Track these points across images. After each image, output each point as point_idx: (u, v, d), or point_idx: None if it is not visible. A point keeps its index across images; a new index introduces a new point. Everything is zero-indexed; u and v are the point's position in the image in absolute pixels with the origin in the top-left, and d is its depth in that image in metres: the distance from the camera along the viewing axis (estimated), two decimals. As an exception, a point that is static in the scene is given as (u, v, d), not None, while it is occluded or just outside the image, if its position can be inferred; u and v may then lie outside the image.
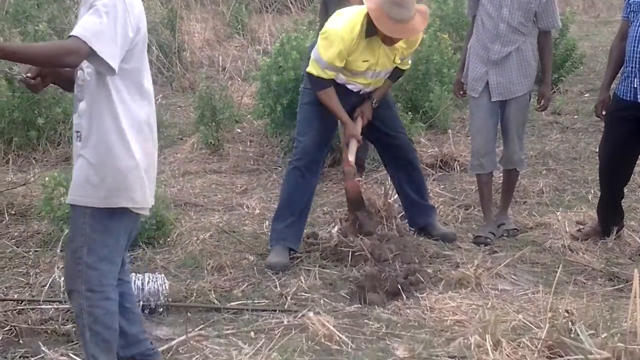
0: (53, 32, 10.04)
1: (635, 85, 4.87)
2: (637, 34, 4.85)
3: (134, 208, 3.20)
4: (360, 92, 5.03)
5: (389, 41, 4.74)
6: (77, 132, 3.18)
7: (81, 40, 2.89)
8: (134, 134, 3.14)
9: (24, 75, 3.15)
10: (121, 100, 3.10)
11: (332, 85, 4.86)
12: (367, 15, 4.67)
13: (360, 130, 5.06)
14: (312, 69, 4.83)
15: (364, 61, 4.82)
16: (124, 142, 3.11)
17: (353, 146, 5.02)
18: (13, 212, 5.74)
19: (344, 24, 4.74)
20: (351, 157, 4.99)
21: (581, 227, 5.44)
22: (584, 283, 4.66)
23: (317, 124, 4.99)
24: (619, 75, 5.12)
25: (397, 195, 5.53)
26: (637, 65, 4.85)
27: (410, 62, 5.24)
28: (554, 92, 9.67)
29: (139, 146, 3.16)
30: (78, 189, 3.16)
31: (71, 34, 2.92)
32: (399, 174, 5.37)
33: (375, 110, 5.12)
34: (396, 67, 5.03)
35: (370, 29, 4.71)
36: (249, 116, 8.08)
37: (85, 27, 2.92)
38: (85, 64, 3.06)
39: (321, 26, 6.77)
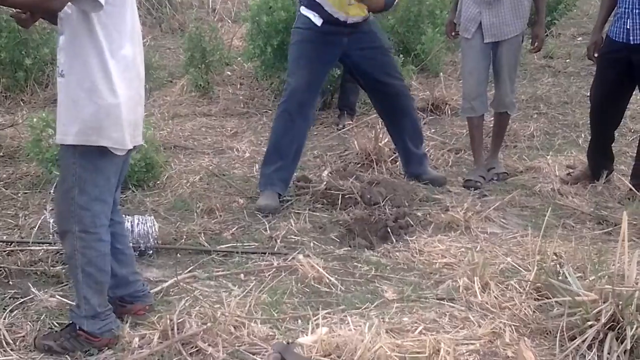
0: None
1: (627, 27, 4.82)
2: (630, -25, 4.79)
3: (112, 148, 3.13)
4: (348, 22, 4.89)
5: None
6: (58, 66, 3.14)
7: None
8: (119, 72, 3.08)
9: (15, 10, 3.13)
10: (106, 36, 3.03)
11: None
12: None
13: None
14: None
15: None
16: (108, 80, 3.05)
17: None
18: (1, 154, 5.71)
19: None
20: None
21: (571, 171, 5.45)
22: (573, 226, 4.67)
23: (305, 64, 4.89)
24: (611, 17, 5.06)
25: (387, 139, 5.51)
26: (630, 6, 4.79)
27: None
28: (547, 35, 9.60)
29: (123, 85, 3.10)
30: (61, 128, 3.12)
31: None
32: (395, 123, 5.30)
33: (371, 57, 5.02)
34: None
35: None
36: (239, 58, 8.01)
37: None
38: None
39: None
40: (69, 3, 2.96)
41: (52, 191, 4.65)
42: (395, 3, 4.96)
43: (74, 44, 3.04)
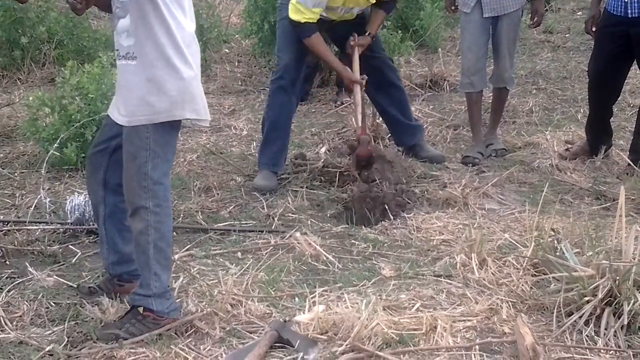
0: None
1: (625, 0, 4.78)
2: (628, -52, 4.75)
3: (196, 120, 3.26)
4: (332, 22, 4.91)
5: None
6: (117, 50, 3.18)
7: None
8: (186, 47, 3.16)
9: None
10: (171, 14, 3.10)
11: (317, 30, 4.72)
12: None
13: (358, 69, 4.91)
14: (295, 14, 4.64)
15: None
16: (182, 55, 3.14)
17: (358, 97, 4.85)
18: (-2, 133, 5.70)
19: None
20: (361, 121, 4.84)
21: (570, 146, 5.43)
22: (571, 202, 4.66)
23: (295, 39, 4.82)
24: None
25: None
26: (628, -21, 4.77)
27: None
28: (546, 9, 9.54)
29: (192, 59, 3.19)
30: (139, 109, 3.15)
31: None
32: (380, 95, 5.27)
33: (354, 30, 4.96)
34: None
35: None
36: (237, 36, 7.97)
37: None
38: None
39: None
40: None
41: (44, 171, 4.62)
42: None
43: (143, 25, 3.08)
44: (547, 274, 3.57)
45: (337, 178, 4.86)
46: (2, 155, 5.33)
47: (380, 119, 5.53)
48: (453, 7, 5.42)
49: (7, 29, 6.91)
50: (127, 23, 3.12)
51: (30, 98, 5.05)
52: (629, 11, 4.78)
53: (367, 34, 4.95)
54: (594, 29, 5.07)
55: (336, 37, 5.17)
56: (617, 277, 3.26)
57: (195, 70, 3.22)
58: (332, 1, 4.71)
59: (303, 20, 4.65)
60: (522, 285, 3.57)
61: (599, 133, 5.21)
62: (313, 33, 4.70)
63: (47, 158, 4.71)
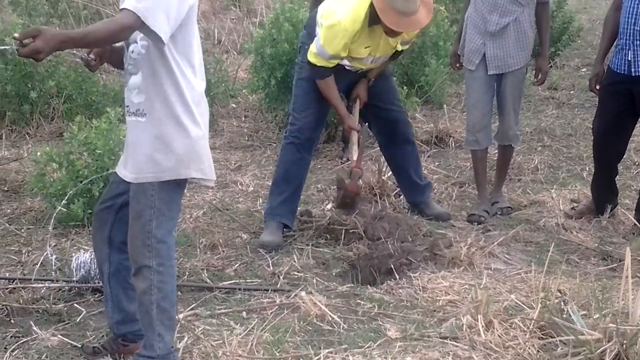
0: (47, 2, 9.99)
1: (629, 58, 4.82)
2: (631, 6, 4.78)
3: (201, 179, 3.29)
4: (358, 72, 4.98)
5: (392, 33, 4.65)
6: (127, 106, 3.22)
7: (135, 14, 2.90)
8: (195, 105, 3.20)
9: (87, 55, 3.19)
10: (182, 73, 3.13)
11: (332, 74, 4.79)
12: (371, 4, 4.58)
13: (358, 117, 5.02)
14: (314, 59, 4.74)
15: (365, 47, 4.75)
16: (191, 114, 3.17)
17: (354, 139, 4.98)
18: (6, 188, 5.71)
19: (348, 14, 4.62)
20: (356, 156, 4.98)
21: (575, 205, 5.43)
22: (577, 262, 4.65)
23: (315, 103, 4.90)
24: (613, 48, 5.06)
25: (391, 173, 5.50)
26: (631, 38, 4.79)
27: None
28: (551, 66, 9.62)
29: (201, 118, 3.23)
30: (145, 166, 3.18)
31: (124, 6, 2.92)
32: (394, 152, 5.29)
33: (374, 83, 5.05)
34: (399, 50, 5.01)
35: (373, 18, 4.62)
36: (244, 90, 8.03)
37: (140, 0, 2.92)
38: (139, 36, 3.09)
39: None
40: (144, 43, 3.07)
41: (51, 227, 4.64)
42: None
43: (153, 83, 3.13)
44: (554, 337, 3.54)
45: (342, 236, 4.86)
46: (9, 211, 5.35)
47: (386, 176, 5.55)
48: (458, 65, 5.46)
49: (17, 84, 6.97)
50: (138, 80, 3.16)
51: (38, 153, 5.08)
52: (633, 69, 4.81)
53: (366, 80, 5.02)
54: (597, 87, 5.10)
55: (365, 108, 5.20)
56: (625, 341, 3.25)
57: (203, 129, 3.26)
58: (357, 52, 4.76)
59: (319, 64, 4.74)
60: (529, 348, 3.55)
61: (604, 192, 5.22)
62: (327, 76, 4.79)
63: (54, 214, 4.72)
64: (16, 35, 2.66)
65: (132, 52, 3.16)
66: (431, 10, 4.69)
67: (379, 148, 5.55)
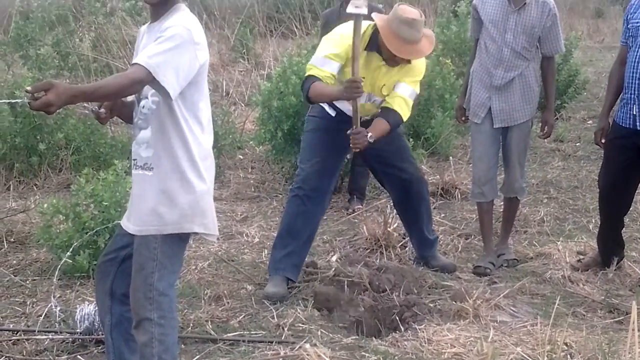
0: (57, 56, 10.13)
1: (634, 112, 4.83)
2: (636, 60, 4.82)
3: (204, 234, 3.30)
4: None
5: (393, 61, 4.66)
6: (135, 159, 3.26)
7: (146, 69, 2.95)
8: (202, 161, 3.23)
9: (97, 108, 3.23)
10: (190, 129, 3.18)
11: (320, 80, 4.62)
12: (373, 29, 4.64)
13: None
14: (309, 69, 4.70)
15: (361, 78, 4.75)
16: (197, 170, 3.21)
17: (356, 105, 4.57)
18: (12, 239, 5.73)
19: (341, 32, 4.69)
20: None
21: (581, 257, 5.41)
22: (584, 315, 4.62)
23: (319, 152, 4.90)
24: (618, 102, 5.09)
25: (396, 224, 5.50)
26: (636, 92, 4.81)
27: (407, 106, 4.83)
28: (557, 118, 9.68)
29: (206, 172, 3.26)
30: (149, 219, 3.21)
31: (137, 61, 2.98)
32: (408, 209, 5.27)
33: (386, 141, 4.86)
34: (394, 110, 4.73)
35: (372, 43, 4.66)
36: (251, 142, 8.08)
37: (151, 56, 2.98)
38: (150, 92, 3.14)
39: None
40: (155, 99, 3.12)
41: (56, 279, 4.64)
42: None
43: (161, 138, 3.17)
44: (560, 391, 3.51)
45: (347, 287, 4.85)
46: (15, 262, 5.36)
47: (392, 227, 5.55)
48: (463, 118, 5.49)
49: (26, 136, 7.05)
50: (148, 135, 3.20)
51: (45, 205, 5.11)
52: (638, 123, 4.82)
53: (368, 135, 4.64)
54: (603, 141, 5.11)
55: (373, 157, 5.13)
56: (631, 396, 3.21)
57: (208, 184, 3.28)
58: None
59: (308, 73, 4.68)
60: (535, 402, 3.51)
61: (610, 244, 5.20)
62: (314, 81, 4.60)
63: (59, 266, 4.72)
64: (28, 88, 2.70)
65: (143, 107, 3.21)
66: (432, 42, 4.69)
67: (384, 199, 5.54)
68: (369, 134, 4.59)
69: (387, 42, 4.54)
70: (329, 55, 4.65)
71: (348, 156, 6.26)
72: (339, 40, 4.67)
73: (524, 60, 5.13)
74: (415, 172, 5.24)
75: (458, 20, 10.57)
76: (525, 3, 5.03)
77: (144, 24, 3.42)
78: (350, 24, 4.48)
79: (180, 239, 3.28)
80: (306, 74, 4.71)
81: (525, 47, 5.10)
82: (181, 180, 3.19)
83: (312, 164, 4.92)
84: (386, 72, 4.76)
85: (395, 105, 4.75)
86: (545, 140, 7.76)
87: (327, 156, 4.94)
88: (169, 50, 3.00)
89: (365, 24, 4.59)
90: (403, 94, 4.78)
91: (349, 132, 4.57)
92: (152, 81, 2.97)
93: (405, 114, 4.79)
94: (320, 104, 4.88)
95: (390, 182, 5.29)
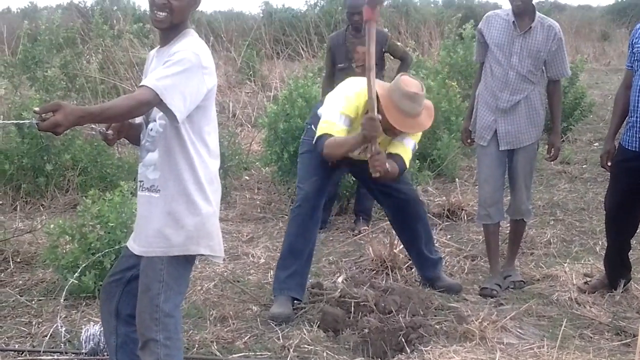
0: (65, 77, 10.20)
1: (639, 135, 4.84)
2: (641, 84, 4.83)
3: (210, 255, 3.30)
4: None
5: (391, 132, 4.63)
6: (141, 181, 3.27)
7: (154, 91, 2.96)
8: (208, 184, 3.24)
9: (104, 130, 3.25)
10: (197, 152, 3.19)
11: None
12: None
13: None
14: (321, 129, 4.62)
15: None
16: (203, 192, 3.22)
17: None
18: (19, 260, 5.74)
19: (358, 88, 4.63)
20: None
21: (588, 279, 5.39)
22: (591, 337, 4.59)
23: (317, 171, 4.92)
24: (624, 125, 5.09)
25: (402, 246, 5.49)
26: (641, 115, 4.82)
27: (409, 157, 4.81)
28: (563, 141, 9.68)
29: (212, 195, 3.27)
30: (155, 240, 3.21)
31: (144, 84, 2.99)
32: (405, 231, 5.29)
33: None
34: (400, 155, 4.72)
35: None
36: (257, 163, 8.10)
37: (159, 78, 2.99)
38: (158, 114, 3.16)
39: (327, 73, 6.88)
40: (162, 122, 3.14)
41: (62, 299, 4.64)
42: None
43: (168, 161, 3.18)
44: (567, 414, 3.48)
45: (353, 308, 4.83)
46: (21, 282, 5.36)
47: (398, 249, 5.54)
48: (469, 140, 5.49)
49: (33, 156, 7.08)
50: (155, 157, 3.21)
51: (52, 226, 5.12)
52: (643, 147, 4.83)
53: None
54: (609, 164, 5.10)
55: (356, 171, 5.19)
56: (639, 419, 3.19)
57: (214, 207, 3.29)
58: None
59: (321, 133, 4.62)
60: None
61: (617, 267, 5.18)
62: (328, 138, 4.57)
63: (66, 286, 4.72)
64: (36, 109, 2.71)
65: (151, 129, 3.23)
66: (432, 114, 4.65)
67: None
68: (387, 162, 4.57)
69: (387, 114, 4.47)
70: (344, 112, 4.61)
71: (353, 178, 6.30)
72: (353, 99, 4.63)
73: (529, 83, 5.14)
74: (411, 193, 5.25)
75: (463, 43, 10.62)
76: (530, 27, 5.05)
77: (151, 46, 3.46)
78: (362, 82, 4.50)
79: (186, 261, 3.28)
80: (319, 132, 4.64)
81: (530, 70, 5.11)
82: (187, 203, 3.20)
83: (311, 182, 4.94)
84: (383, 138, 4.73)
85: (401, 152, 4.75)
86: (552, 162, 7.77)
87: (325, 176, 4.96)
88: (176, 73, 3.01)
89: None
90: (407, 145, 4.79)
91: (369, 155, 4.49)
92: (159, 104, 2.99)
93: (407, 163, 4.80)
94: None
95: (386, 202, 5.31)
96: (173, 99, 2.99)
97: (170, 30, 3.21)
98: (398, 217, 5.25)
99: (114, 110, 2.94)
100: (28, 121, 2.76)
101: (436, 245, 5.91)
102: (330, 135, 4.58)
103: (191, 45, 3.12)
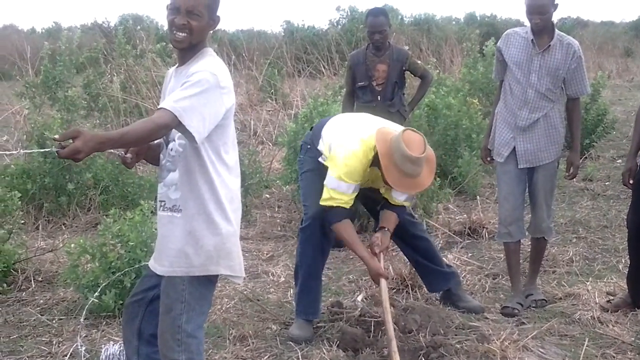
0: (87, 97, 10.29)
1: (660, 153, 4.81)
2: (661, 101, 4.80)
3: (230, 276, 3.30)
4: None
5: (390, 187, 4.62)
6: (162, 201, 3.28)
7: (172, 113, 2.98)
8: (228, 203, 3.24)
9: (123, 153, 3.27)
10: (216, 171, 3.20)
11: (349, 215, 4.67)
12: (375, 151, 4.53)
13: (382, 264, 4.77)
14: (330, 200, 4.56)
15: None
16: (223, 211, 3.22)
17: (384, 290, 4.56)
18: (40, 279, 5.78)
19: (361, 145, 4.54)
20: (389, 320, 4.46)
21: (611, 298, 5.33)
22: (614, 357, 4.53)
23: (321, 189, 4.77)
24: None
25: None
26: (662, 133, 4.79)
27: (406, 204, 4.90)
28: (585, 158, 9.63)
29: (233, 215, 3.27)
30: (176, 260, 3.23)
31: (163, 106, 3.02)
32: (405, 246, 5.29)
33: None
34: (396, 205, 4.81)
35: (376, 161, 4.54)
36: (277, 181, 8.12)
37: (177, 100, 3.01)
38: (177, 134, 3.18)
39: (347, 91, 6.89)
40: (182, 142, 3.15)
41: (82, 318, 4.65)
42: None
43: (188, 181, 3.20)
44: None
45: (373, 327, 4.81)
46: (42, 301, 5.39)
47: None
48: (489, 159, 5.47)
49: (55, 176, 7.14)
50: (176, 177, 3.23)
51: (72, 245, 5.15)
52: (665, 164, 4.79)
53: (385, 229, 4.79)
54: (631, 181, 5.06)
55: (363, 198, 5.07)
56: None
57: (235, 226, 3.29)
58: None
59: (335, 205, 4.58)
60: None
61: (640, 285, 5.13)
62: (343, 218, 4.60)
63: (86, 305, 4.74)
64: (56, 136, 2.73)
65: (171, 149, 3.24)
66: (433, 170, 4.61)
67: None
68: (386, 229, 4.77)
69: (386, 175, 4.43)
70: (352, 180, 4.54)
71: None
72: (360, 170, 4.56)
73: (548, 101, 5.12)
74: (404, 217, 5.05)
75: (485, 60, 10.60)
76: (549, 45, 5.03)
77: (173, 65, 3.47)
78: (369, 125, 4.62)
79: (208, 281, 3.28)
80: (332, 203, 4.58)
81: (549, 88, 5.09)
82: (207, 222, 3.20)
83: (316, 201, 4.81)
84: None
85: (398, 203, 4.81)
86: (574, 179, 7.72)
87: None
88: (195, 95, 3.03)
89: (369, 137, 4.55)
90: (404, 202, 4.84)
91: (376, 249, 4.67)
92: (178, 125, 3.00)
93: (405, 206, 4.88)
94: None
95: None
96: (192, 121, 3.00)
97: (188, 50, 3.23)
98: (397, 236, 5.07)
99: (134, 135, 2.95)
100: (49, 150, 2.78)
101: (457, 263, 5.89)
102: (344, 209, 4.57)
103: (209, 66, 3.14)
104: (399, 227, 4.97)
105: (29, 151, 2.79)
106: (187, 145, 3.15)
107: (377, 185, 4.77)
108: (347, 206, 4.57)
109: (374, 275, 4.64)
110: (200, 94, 3.04)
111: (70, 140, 2.70)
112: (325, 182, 4.59)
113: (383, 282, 4.59)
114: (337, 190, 4.54)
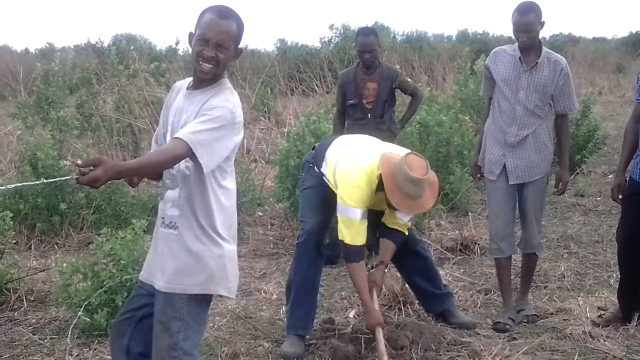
0: (80, 117, 10.30)
1: (650, 169, 4.83)
2: (650, 117, 4.83)
3: (226, 297, 3.34)
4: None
5: (393, 208, 4.68)
6: (162, 217, 3.30)
7: (188, 145, 3.02)
8: (229, 226, 3.29)
9: None
10: (215, 195, 3.23)
11: (363, 258, 4.74)
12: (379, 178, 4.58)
13: (377, 303, 4.83)
14: (349, 235, 4.58)
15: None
16: (221, 233, 3.25)
17: (381, 341, 4.57)
18: (32, 298, 5.78)
19: (362, 176, 4.58)
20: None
21: (602, 312, 5.35)
22: (605, 371, 4.55)
23: (319, 206, 4.93)
24: (634, 157, 5.07)
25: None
26: (651, 149, 4.82)
27: (409, 224, 4.97)
28: (577, 173, 9.66)
29: (230, 236, 3.30)
30: (175, 278, 3.24)
31: (179, 136, 3.05)
32: (405, 265, 5.30)
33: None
34: (397, 231, 4.88)
35: (381, 185, 4.59)
36: (270, 199, 8.13)
37: (194, 132, 3.05)
38: None
39: (338, 110, 6.92)
40: (189, 165, 3.18)
41: (74, 337, 4.64)
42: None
43: (187, 201, 3.23)
44: None
45: (365, 344, 4.81)
46: (34, 320, 5.39)
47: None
48: (479, 175, 5.50)
49: (48, 196, 7.15)
50: (175, 195, 3.26)
51: (64, 264, 5.15)
52: (654, 180, 4.81)
53: (381, 262, 4.91)
54: (620, 197, 5.09)
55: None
56: None
57: (233, 246, 3.32)
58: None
59: (352, 243, 4.60)
60: None
61: (631, 300, 5.13)
62: (360, 259, 4.66)
63: (74, 322, 4.74)
64: (79, 162, 2.74)
65: (173, 168, 3.27)
66: (436, 192, 4.65)
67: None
68: (383, 263, 4.91)
69: (389, 196, 4.48)
70: (361, 206, 4.56)
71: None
72: (367, 200, 4.59)
73: (537, 118, 5.15)
74: (409, 233, 5.13)
75: (476, 78, 10.66)
76: (537, 62, 5.07)
77: (166, 84, 3.50)
78: (372, 149, 4.70)
79: (205, 300, 3.31)
80: (348, 240, 4.59)
81: (537, 105, 5.12)
82: (209, 244, 3.23)
83: (316, 216, 4.96)
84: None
85: (399, 227, 4.87)
86: (566, 194, 7.77)
87: (327, 212, 4.97)
88: (211, 130, 3.07)
89: (373, 162, 4.60)
90: (407, 222, 4.90)
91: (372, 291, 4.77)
92: (191, 155, 3.05)
93: (406, 232, 4.93)
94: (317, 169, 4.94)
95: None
96: (203, 154, 3.05)
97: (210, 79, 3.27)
98: (395, 255, 5.08)
99: (150, 165, 3.01)
100: (69, 177, 2.79)
101: (449, 279, 5.90)
102: (362, 250, 4.64)
103: (229, 102, 3.18)
104: (404, 244, 5.01)
105: (50, 180, 2.81)
106: (192, 169, 3.19)
107: (381, 207, 4.79)
108: (362, 239, 4.60)
109: (373, 324, 4.64)
110: (217, 130, 3.09)
111: (91, 168, 2.72)
112: (338, 214, 4.62)
113: (379, 330, 4.61)
114: (352, 219, 4.56)
